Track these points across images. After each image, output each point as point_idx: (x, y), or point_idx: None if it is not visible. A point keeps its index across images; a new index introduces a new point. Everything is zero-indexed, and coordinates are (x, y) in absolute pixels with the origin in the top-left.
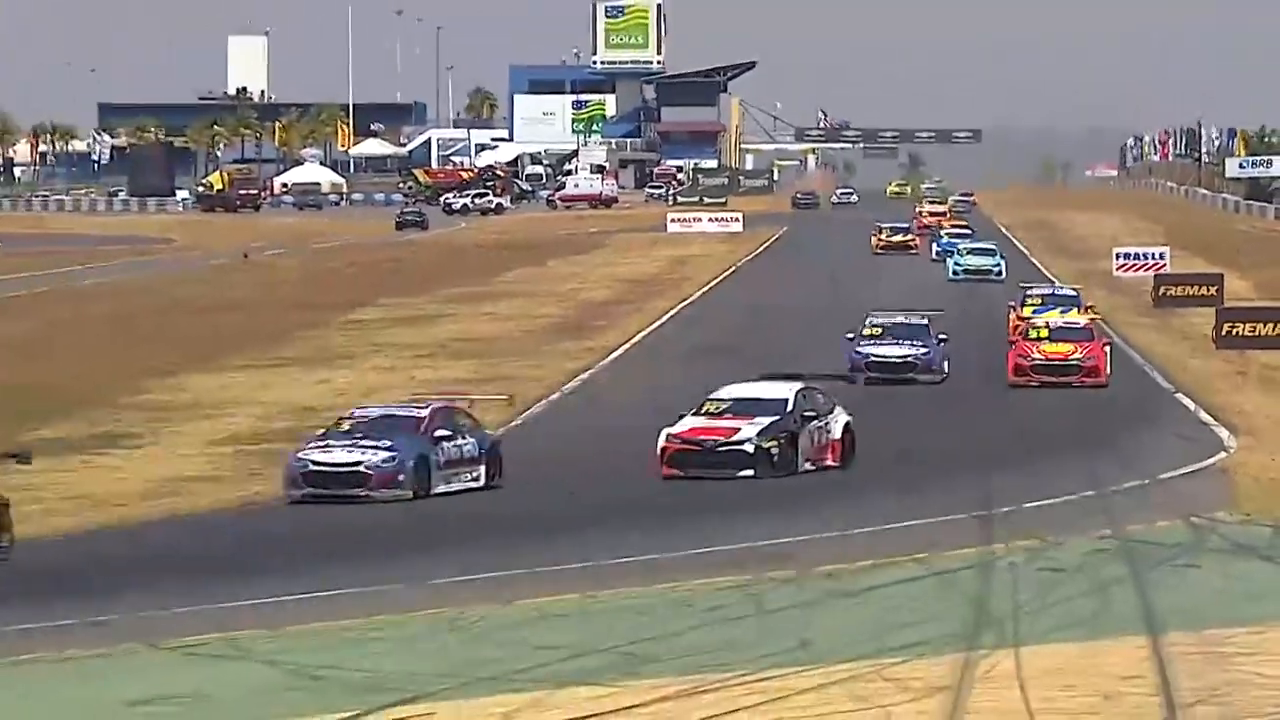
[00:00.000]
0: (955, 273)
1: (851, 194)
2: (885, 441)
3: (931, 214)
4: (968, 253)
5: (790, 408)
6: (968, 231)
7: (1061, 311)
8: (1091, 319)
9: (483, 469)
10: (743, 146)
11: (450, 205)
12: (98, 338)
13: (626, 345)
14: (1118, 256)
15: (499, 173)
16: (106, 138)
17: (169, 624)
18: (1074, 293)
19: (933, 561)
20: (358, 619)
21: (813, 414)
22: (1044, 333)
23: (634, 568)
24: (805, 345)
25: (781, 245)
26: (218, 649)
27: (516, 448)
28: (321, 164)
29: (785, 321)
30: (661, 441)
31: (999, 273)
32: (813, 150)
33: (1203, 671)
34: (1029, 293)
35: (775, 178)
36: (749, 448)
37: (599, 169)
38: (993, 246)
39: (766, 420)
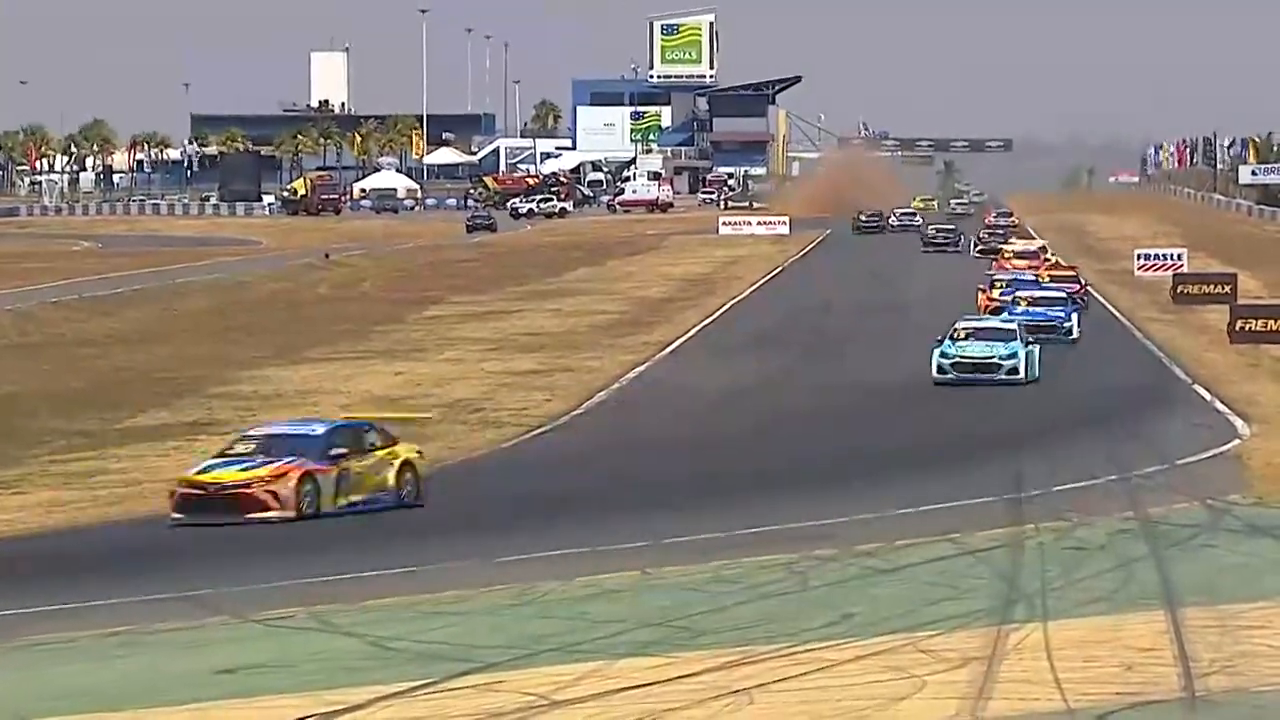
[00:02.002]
0: (942, 369)
1: (914, 216)
2: None
3: (1019, 256)
4: (965, 335)
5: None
6: (1075, 285)
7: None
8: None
9: None
10: (789, 154)
11: (517, 209)
12: (190, 332)
13: (682, 339)
14: (1139, 257)
15: (562, 179)
16: (198, 147)
17: (257, 599)
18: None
19: (966, 541)
20: (430, 594)
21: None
22: None
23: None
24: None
25: (824, 246)
26: (302, 621)
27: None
28: (397, 171)
29: (828, 315)
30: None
31: (1016, 369)
32: None
33: (1218, 644)
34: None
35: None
36: None
37: (655, 176)
38: (1010, 325)
39: None
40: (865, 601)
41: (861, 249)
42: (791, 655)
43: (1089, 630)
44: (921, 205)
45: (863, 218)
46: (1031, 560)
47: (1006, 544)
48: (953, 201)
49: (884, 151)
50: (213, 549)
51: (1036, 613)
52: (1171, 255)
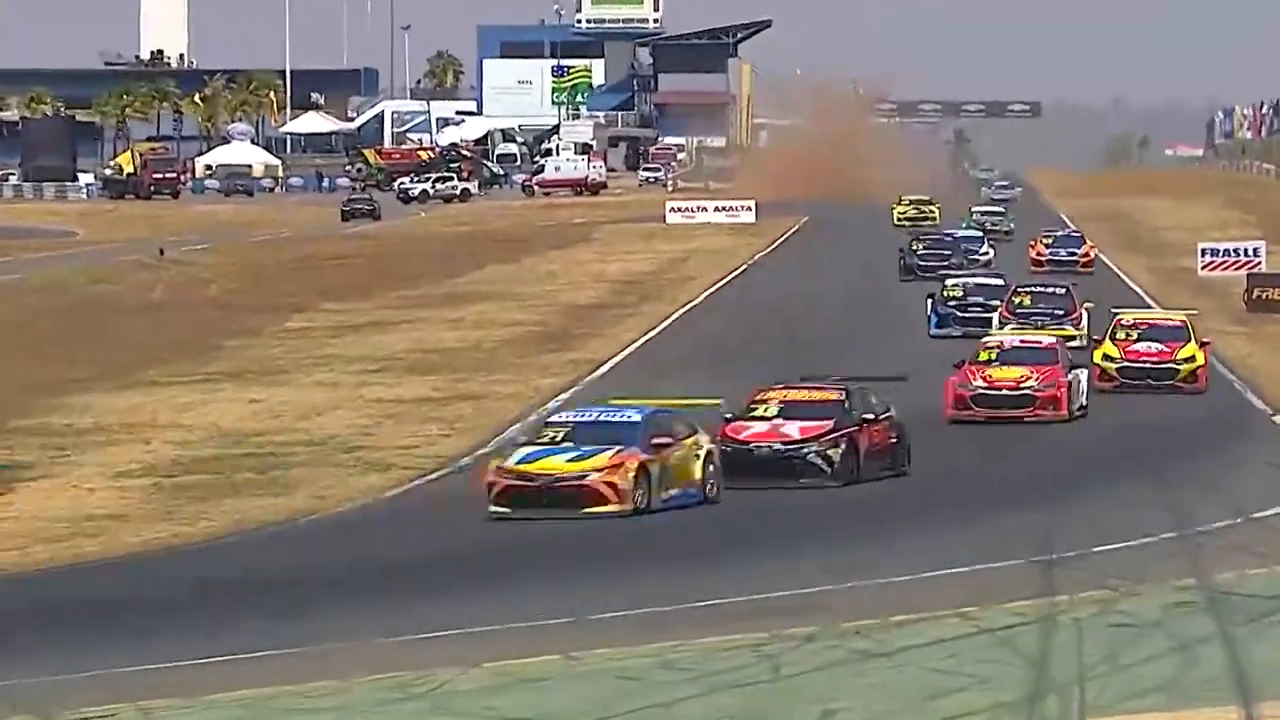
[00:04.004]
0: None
1: (981, 242)
2: None
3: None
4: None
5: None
6: None
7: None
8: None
9: None
10: (755, 121)
11: (407, 191)
12: None
13: (618, 357)
14: (1203, 253)
15: (464, 153)
16: None
17: (67, 690)
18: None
19: (983, 616)
20: (293, 685)
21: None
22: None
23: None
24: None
25: (801, 236)
26: None
27: None
28: (252, 142)
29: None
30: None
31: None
32: None
33: None
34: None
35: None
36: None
37: (584, 148)
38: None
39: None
40: (854, 694)
41: (847, 239)
42: None
43: None
44: (913, 211)
45: (920, 249)
46: (1067, 641)
47: (1035, 620)
48: (974, 211)
49: (879, 118)
50: (6, 629)
51: (1073, 708)
52: (1246, 250)
